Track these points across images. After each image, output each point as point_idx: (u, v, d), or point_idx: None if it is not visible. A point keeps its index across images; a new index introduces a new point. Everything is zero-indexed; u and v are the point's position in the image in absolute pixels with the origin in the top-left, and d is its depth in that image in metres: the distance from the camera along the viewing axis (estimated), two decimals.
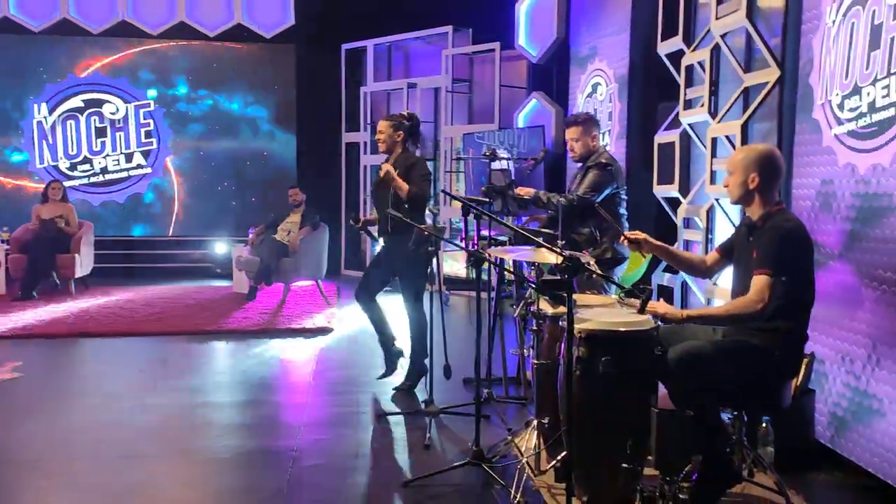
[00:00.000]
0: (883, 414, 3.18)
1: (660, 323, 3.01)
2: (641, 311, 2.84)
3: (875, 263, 3.22)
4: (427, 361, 4.32)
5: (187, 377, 5.25)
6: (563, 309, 3.18)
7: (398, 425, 4.21)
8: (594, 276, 3.70)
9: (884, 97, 3.18)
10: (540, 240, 2.87)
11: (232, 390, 4.96)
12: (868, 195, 3.28)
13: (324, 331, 6.73)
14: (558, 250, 2.80)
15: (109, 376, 5.32)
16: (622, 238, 3.33)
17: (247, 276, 8.22)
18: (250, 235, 8.53)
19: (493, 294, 4.74)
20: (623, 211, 4.52)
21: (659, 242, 3.35)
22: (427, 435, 3.91)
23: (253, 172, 10.55)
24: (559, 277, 3.07)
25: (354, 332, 6.73)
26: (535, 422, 3.40)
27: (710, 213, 4.80)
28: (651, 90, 5.98)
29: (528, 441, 3.43)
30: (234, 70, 10.44)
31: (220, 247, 10.13)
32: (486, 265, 3.39)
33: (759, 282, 2.84)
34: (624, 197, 4.53)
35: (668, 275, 5.41)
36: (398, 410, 4.47)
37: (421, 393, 4.70)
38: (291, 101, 10.50)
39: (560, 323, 3.10)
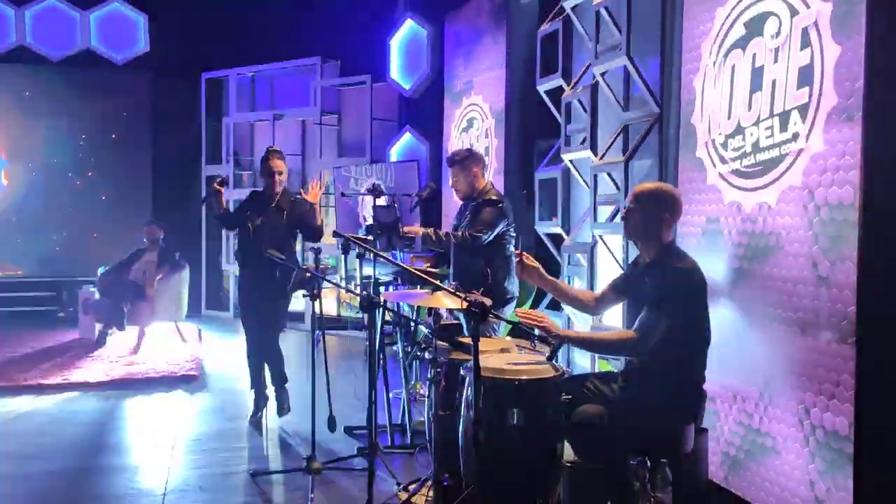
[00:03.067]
0: (777, 452, 3.17)
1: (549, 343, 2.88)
2: (550, 357, 2.70)
3: (765, 301, 3.23)
4: (309, 411, 3.97)
5: (25, 440, 4.60)
6: (461, 355, 3.00)
7: (276, 485, 3.83)
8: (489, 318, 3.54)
9: (767, 137, 3.23)
10: (441, 283, 2.65)
11: (80, 455, 4.37)
12: (755, 233, 3.30)
13: (186, 379, 6.18)
14: (461, 295, 2.59)
15: None
16: (517, 254, 3.20)
17: (96, 321, 7.49)
18: (100, 275, 7.80)
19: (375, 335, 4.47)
20: (512, 248, 4.41)
21: (549, 276, 3.28)
22: (310, 496, 3.56)
23: (103, 207, 9.75)
24: (457, 322, 2.90)
25: (220, 378, 6.23)
26: (431, 479, 3.15)
27: (593, 249, 4.78)
28: (528, 126, 5.98)
29: (426, 500, 3.17)
30: (81, 98, 9.65)
31: (65, 288, 9.22)
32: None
33: (643, 319, 2.83)
34: (513, 234, 4.43)
35: (549, 311, 5.35)
36: (276, 468, 4.08)
37: (301, 447, 4.34)
38: (146, 132, 9.83)
39: (462, 371, 2.89)
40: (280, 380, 4.89)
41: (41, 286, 9.40)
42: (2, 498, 3.68)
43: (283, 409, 4.87)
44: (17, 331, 8.35)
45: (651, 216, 2.92)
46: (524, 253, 3.25)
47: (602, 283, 4.73)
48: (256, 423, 4.81)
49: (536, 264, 3.26)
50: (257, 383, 4.92)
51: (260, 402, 4.90)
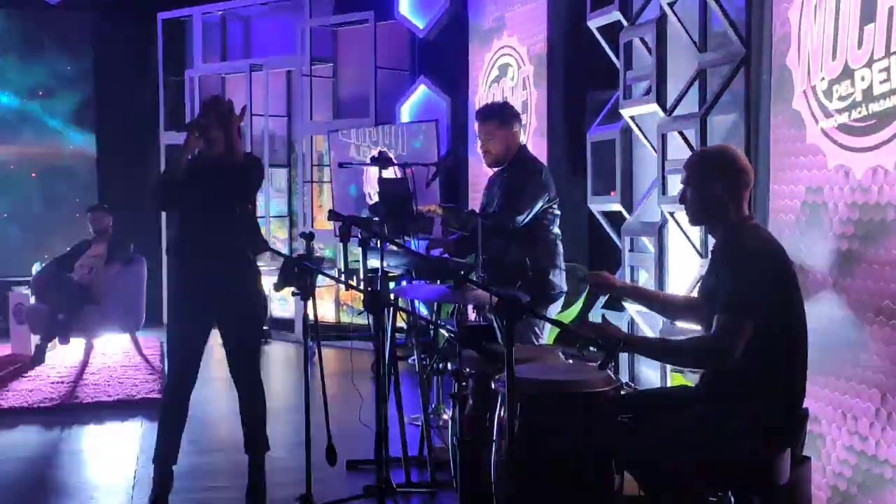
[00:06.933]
0: None
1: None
2: (604, 365, 2.80)
3: (882, 293, 3.29)
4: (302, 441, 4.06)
5: None
6: (492, 365, 3.09)
7: None
8: (527, 318, 3.64)
9: (882, 82, 3.28)
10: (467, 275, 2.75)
11: (18, 499, 4.54)
12: (868, 206, 3.36)
13: (147, 403, 6.35)
14: (491, 289, 2.70)
15: None
16: (582, 279, 3.30)
17: (32, 332, 7.70)
18: (35, 275, 8.01)
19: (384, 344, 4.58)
20: (556, 230, 4.50)
21: (630, 283, 3.37)
22: None
23: (38, 187, 9.98)
24: (487, 325, 2.99)
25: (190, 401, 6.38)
26: None
27: (661, 231, 4.86)
28: (577, 74, 6.06)
29: None
30: (4, 48, 9.89)
31: None
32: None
33: (721, 323, 2.86)
34: (557, 212, 4.53)
35: (608, 311, 5.43)
36: None
37: (293, 486, 4.46)
38: (88, 90, 10.04)
39: (494, 385, 2.99)
40: (262, 441, 4.40)
41: None
42: None
43: (257, 492, 4.34)
44: None
45: (705, 190, 2.98)
46: (589, 275, 3.33)
47: (674, 273, 4.83)
48: None
49: (607, 277, 3.36)
50: (167, 452, 4.28)
51: (165, 484, 4.27)
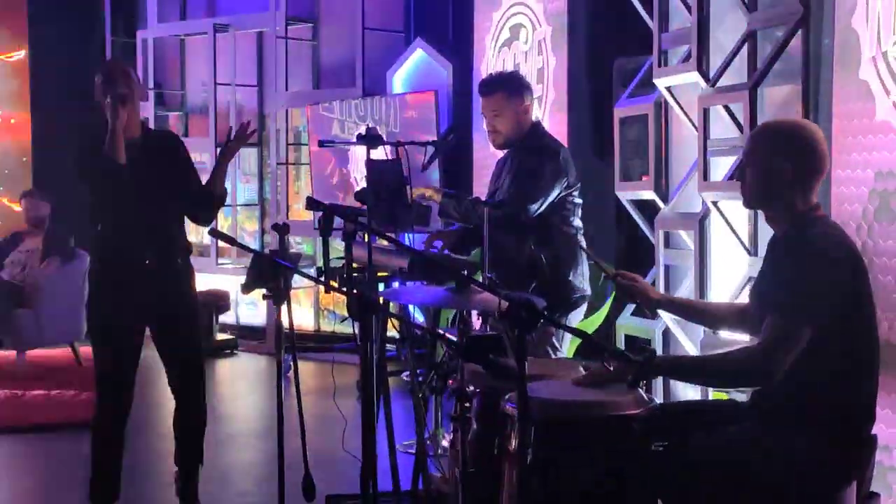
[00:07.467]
0: None
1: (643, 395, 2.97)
2: (634, 382, 2.79)
3: None
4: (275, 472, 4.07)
5: None
6: (501, 383, 3.09)
7: None
8: (543, 326, 3.64)
9: None
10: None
11: None
12: None
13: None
14: (500, 292, 2.69)
15: None
16: (609, 276, 3.29)
17: None
18: None
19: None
20: (578, 223, 4.50)
21: (667, 295, 3.37)
22: None
23: None
24: (495, 335, 3.00)
25: (138, 422, 6.37)
26: None
27: (703, 223, 4.85)
28: (604, 36, 6.06)
29: None
30: None
31: None
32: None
33: (769, 329, 2.85)
34: (577, 201, 4.51)
35: (641, 319, 5.42)
36: None
37: None
38: (21, 54, 10.04)
39: (503, 406, 3.00)
40: (197, 456, 4.50)
41: None
42: None
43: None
44: None
45: (772, 167, 2.94)
46: (619, 274, 3.32)
47: (717, 274, 4.81)
48: None
49: (640, 282, 3.35)
50: (104, 490, 4.34)
51: None
